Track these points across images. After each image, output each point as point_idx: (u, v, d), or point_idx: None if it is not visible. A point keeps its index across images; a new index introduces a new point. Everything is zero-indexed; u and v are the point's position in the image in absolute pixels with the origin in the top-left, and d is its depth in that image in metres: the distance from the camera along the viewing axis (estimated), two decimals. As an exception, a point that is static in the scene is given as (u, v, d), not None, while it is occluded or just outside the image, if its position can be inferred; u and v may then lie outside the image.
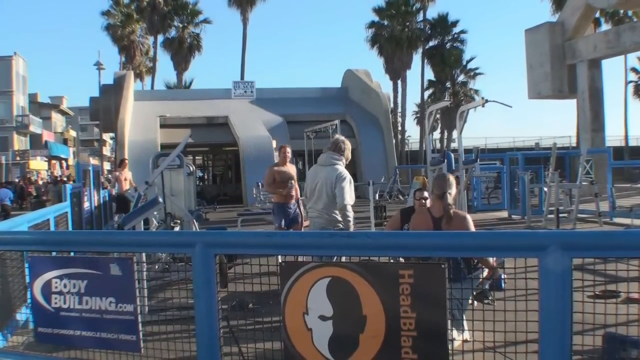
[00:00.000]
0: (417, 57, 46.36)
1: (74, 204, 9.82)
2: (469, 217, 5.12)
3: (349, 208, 6.01)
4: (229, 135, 27.15)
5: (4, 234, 4.77)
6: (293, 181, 8.24)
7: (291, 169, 8.52)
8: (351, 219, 6.05)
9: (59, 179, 31.29)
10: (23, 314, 5.12)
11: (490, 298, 4.77)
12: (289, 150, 8.56)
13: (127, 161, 16.55)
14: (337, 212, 6.05)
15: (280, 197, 8.27)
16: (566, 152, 19.33)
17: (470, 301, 4.79)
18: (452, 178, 5.20)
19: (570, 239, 2.68)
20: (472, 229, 5.01)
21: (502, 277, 4.73)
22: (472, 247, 2.96)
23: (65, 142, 66.13)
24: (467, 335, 4.54)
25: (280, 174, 8.29)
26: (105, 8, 46.34)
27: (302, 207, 8.27)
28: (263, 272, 3.33)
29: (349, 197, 5.99)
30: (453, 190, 5.07)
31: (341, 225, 6.05)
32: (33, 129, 53.17)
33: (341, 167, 6.12)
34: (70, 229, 8.84)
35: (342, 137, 6.41)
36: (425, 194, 6.42)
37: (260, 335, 3.41)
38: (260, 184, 22.02)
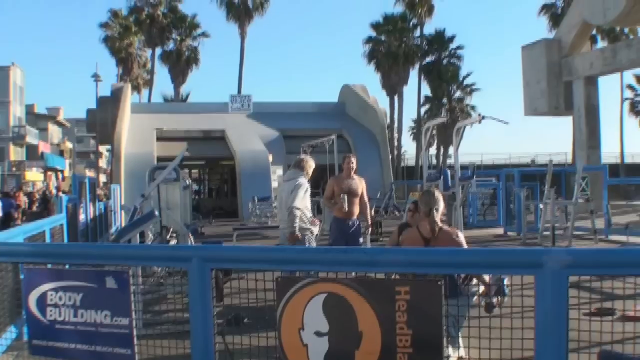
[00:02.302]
0: (413, 73, 46.53)
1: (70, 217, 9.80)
2: (461, 234, 5.08)
3: (294, 211, 6.83)
4: (225, 149, 27.19)
5: (-1, 245, 4.75)
6: (349, 195, 7.45)
7: (358, 181, 7.71)
8: (296, 220, 6.86)
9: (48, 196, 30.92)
10: (17, 326, 5.09)
11: (496, 306, 4.73)
12: (353, 160, 7.74)
13: None
14: (305, 220, 6.98)
15: (339, 212, 7.51)
16: (562, 169, 19.38)
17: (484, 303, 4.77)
18: (439, 194, 5.15)
19: (567, 257, 2.68)
20: (464, 245, 4.97)
21: (505, 282, 4.71)
22: (469, 264, 2.96)
23: (61, 153, 66.07)
24: (462, 352, 4.53)
25: (340, 187, 7.55)
26: (103, 20, 46.41)
27: (369, 222, 8.22)
28: (259, 287, 3.33)
29: (298, 202, 6.89)
30: (440, 206, 5.01)
31: (309, 234, 7.06)
32: (29, 139, 53.08)
33: (301, 179, 7.07)
34: (65, 241, 8.80)
35: (306, 157, 7.45)
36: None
37: (256, 351, 3.40)
38: (255, 198, 22.03)
